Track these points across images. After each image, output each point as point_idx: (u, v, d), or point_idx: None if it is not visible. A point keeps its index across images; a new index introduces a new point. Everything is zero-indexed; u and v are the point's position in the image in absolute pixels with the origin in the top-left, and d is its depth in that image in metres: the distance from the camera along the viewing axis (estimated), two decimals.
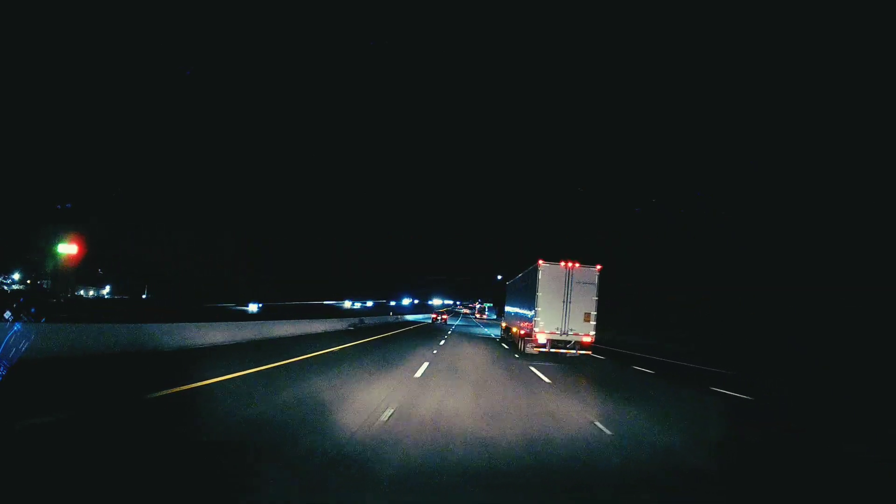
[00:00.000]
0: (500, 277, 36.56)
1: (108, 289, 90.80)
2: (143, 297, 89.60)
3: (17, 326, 5.67)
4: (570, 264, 15.87)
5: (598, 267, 15.97)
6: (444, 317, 61.92)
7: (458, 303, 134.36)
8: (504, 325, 25.80)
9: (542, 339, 15.64)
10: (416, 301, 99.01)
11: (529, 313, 16.94)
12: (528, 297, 17.44)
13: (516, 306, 20.84)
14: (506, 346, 21.14)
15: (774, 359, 17.66)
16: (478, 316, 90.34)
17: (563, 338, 15.67)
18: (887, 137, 17.10)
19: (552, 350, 15.81)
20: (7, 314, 5.80)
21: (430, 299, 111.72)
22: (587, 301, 15.77)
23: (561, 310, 15.66)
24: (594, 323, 15.86)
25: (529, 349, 16.27)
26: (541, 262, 15.77)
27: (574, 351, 15.85)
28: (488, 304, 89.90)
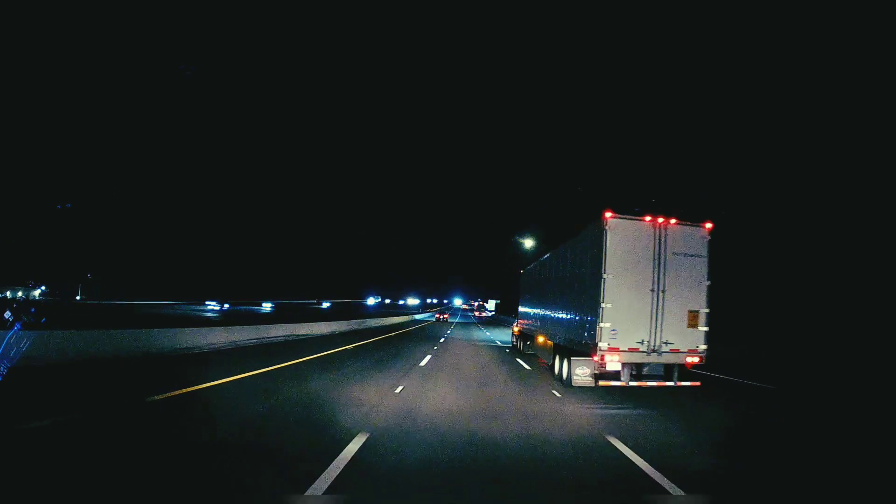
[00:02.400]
0: (527, 245, 26.80)
1: (41, 289, 80.00)
2: (77, 298, 79.92)
3: (17, 327, 5.83)
4: (660, 220, 7.98)
5: (709, 226, 8.32)
6: (446, 315, 66.29)
7: (446, 301, 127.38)
8: (517, 328, 17.94)
9: (613, 362, 7.82)
10: (386, 300, 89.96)
11: (580, 315, 9.69)
12: (576, 284, 9.75)
13: (545, 304, 13.09)
14: (522, 363, 13.07)
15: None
16: (477, 314, 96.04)
17: (652, 358, 8.02)
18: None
19: (631, 383, 7.86)
20: (7, 315, 5.71)
21: (405, 298, 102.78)
22: (693, 288, 8.62)
23: (649, 305, 8.17)
24: (705, 329, 8.10)
25: (581, 378, 8.62)
26: (609, 215, 7.94)
27: (671, 382, 7.96)
28: (496, 301, 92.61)
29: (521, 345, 16.80)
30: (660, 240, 8.43)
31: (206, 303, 56.56)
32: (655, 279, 8.33)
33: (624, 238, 8.28)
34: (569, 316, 10.18)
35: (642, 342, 8.22)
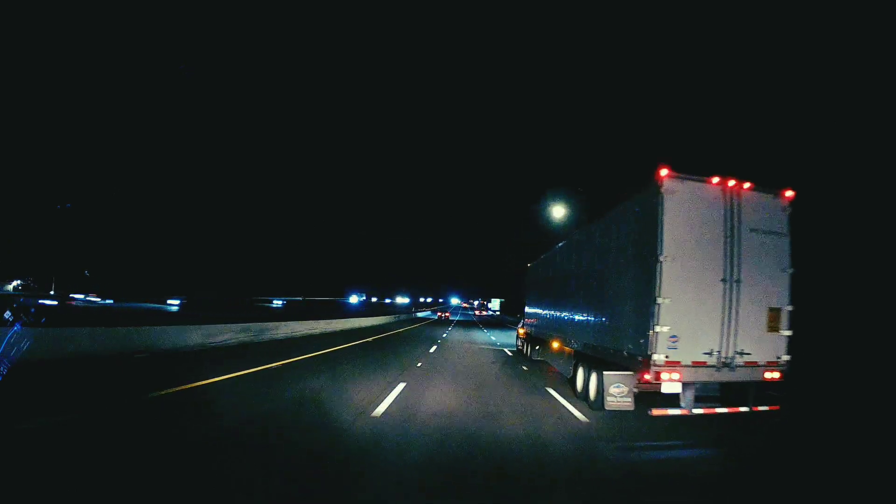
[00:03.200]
0: (557, 216, 21.74)
1: (16, 284, 76.11)
2: (51, 293, 75.74)
3: (17, 327, 5.74)
4: (731, 183, 5.46)
5: (789, 194, 5.91)
6: (447, 314, 68.80)
7: (441, 301, 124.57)
8: (523, 330, 15.77)
9: (671, 382, 5.32)
10: (373, 299, 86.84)
11: (618, 316, 7.19)
12: (611, 274, 7.69)
13: (562, 302, 10.75)
14: (535, 377, 10.50)
15: None
16: (476, 312, 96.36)
17: (721, 375, 5.51)
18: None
19: (696, 410, 5.33)
20: (7, 314, 5.85)
21: (393, 297, 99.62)
22: (773, 277, 6.31)
23: (720, 302, 5.94)
24: (788, 334, 6.22)
25: (618, 400, 6.55)
26: (666, 173, 5.33)
27: (745, 407, 5.51)
28: (500, 300, 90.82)
29: (527, 349, 14.41)
30: (732, 211, 6.05)
31: (73, 296, 48.34)
32: (727, 265, 5.93)
33: (686, 207, 5.86)
34: (599, 317, 7.71)
35: (711, 353, 5.81)
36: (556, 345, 10.10)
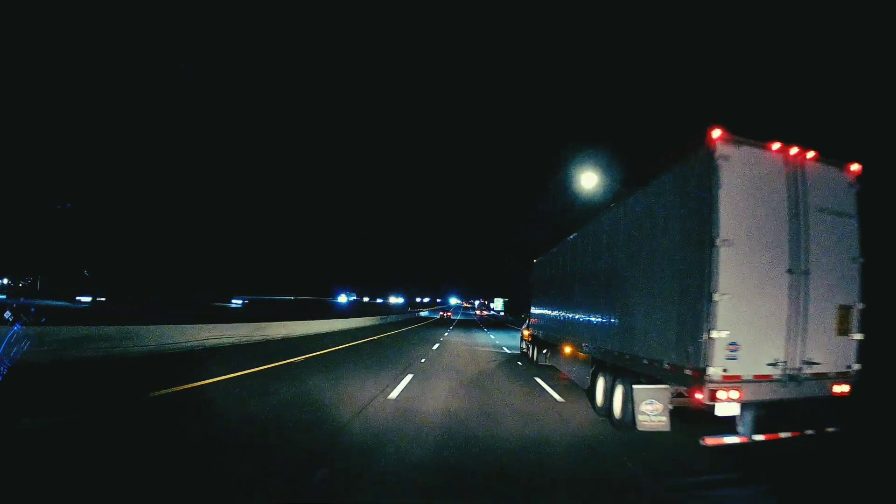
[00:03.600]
0: (586, 186, 18.01)
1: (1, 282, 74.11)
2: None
3: (17, 327, 5.51)
4: (793, 152, 4.52)
5: (855, 167, 5.19)
6: (449, 313, 67.65)
7: (440, 301, 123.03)
8: (527, 332, 14.47)
9: (729, 402, 3.96)
10: (364, 299, 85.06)
11: (656, 318, 5.73)
12: (645, 265, 6.17)
13: (577, 301, 9.22)
14: (555, 394, 8.99)
15: None
16: (477, 312, 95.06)
17: (787, 391, 4.51)
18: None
19: (757, 437, 4.04)
20: (7, 314, 5.43)
21: (386, 297, 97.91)
22: (842, 268, 5.04)
23: (785, 298, 4.72)
24: (859, 337, 5.07)
25: (651, 419, 5.28)
26: (719, 134, 3.97)
27: (811, 430, 4.27)
28: (503, 300, 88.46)
29: (533, 353, 13.18)
30: (796, 185, 4.86)
31: None
32: (794, 252, 4.72)
33: (744, 178, 4.65)
34: (626, 318, 6.44)
35: (776, 363, 4.59)
36: (567, 349, 8.83)
